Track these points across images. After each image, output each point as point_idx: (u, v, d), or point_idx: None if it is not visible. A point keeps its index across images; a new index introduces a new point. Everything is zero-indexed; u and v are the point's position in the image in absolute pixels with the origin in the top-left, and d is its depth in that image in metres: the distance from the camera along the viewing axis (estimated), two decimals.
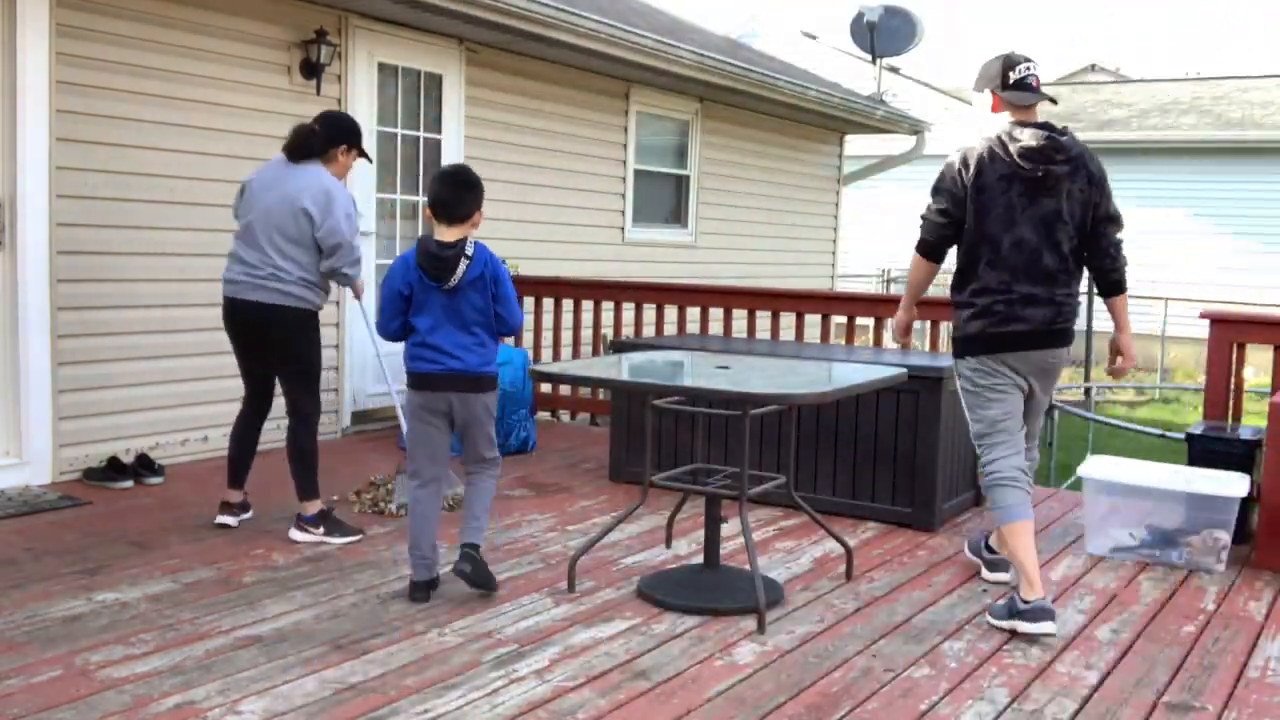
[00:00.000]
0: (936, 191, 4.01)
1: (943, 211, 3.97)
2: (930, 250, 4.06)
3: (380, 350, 5.54)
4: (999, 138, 3.90)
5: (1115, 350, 4.08)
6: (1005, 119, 3.98)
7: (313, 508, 4.70)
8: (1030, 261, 3.88)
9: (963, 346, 4.03)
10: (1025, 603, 3.75)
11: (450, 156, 7.51)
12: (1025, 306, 3.89)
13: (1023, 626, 3.74)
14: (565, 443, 6.99)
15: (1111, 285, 4.01)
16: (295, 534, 4.67)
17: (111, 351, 5.70)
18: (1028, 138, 3.84)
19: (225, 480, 4.87)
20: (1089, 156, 3.93)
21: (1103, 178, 3.96)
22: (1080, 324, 4.57)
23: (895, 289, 17.89)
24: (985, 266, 3.92)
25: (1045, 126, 3.89)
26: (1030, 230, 3.87)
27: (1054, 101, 4.17)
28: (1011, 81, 3.95)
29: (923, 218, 4.03)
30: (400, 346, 4.05)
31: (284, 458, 4.73)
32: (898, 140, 12.61)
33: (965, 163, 3.93)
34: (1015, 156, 3.83)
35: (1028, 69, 3.95)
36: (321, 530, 4.68)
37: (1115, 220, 3.96)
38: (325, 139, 4.62)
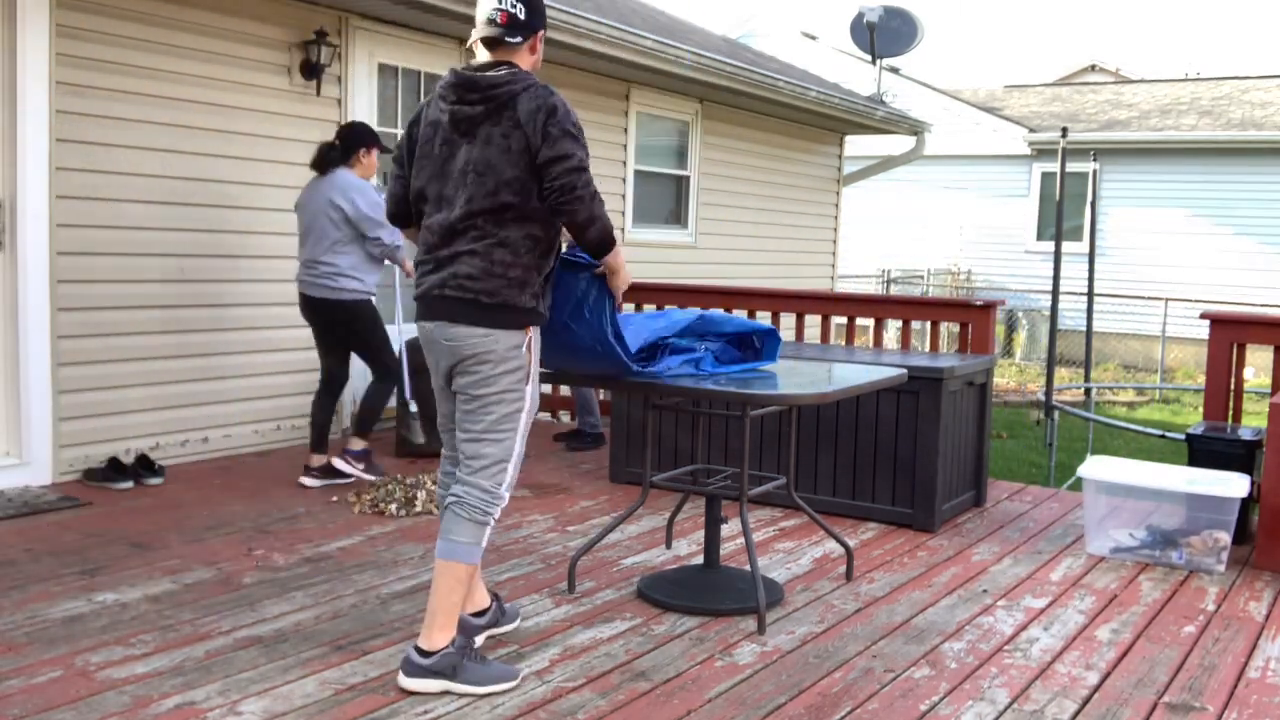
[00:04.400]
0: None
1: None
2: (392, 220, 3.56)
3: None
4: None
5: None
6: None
7: (358, 444, 5.67)
8: (439, 220, 3.29)
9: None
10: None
11: None
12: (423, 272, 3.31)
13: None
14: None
15: (577, 232, 3.20)
16: (338, 463, 5.57)
17: (111, 352, 5.70)
18: (447, 76, 3.24)
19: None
20: (527, 96, 3.12)
21: (538, 118, 3.11)
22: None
23: (895, 289, 17.91)
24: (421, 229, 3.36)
25: (487, 66, 3.18)
26: (446, 185, 3.25)
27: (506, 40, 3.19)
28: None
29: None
30: None
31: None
32: (898, 140, 12.62)
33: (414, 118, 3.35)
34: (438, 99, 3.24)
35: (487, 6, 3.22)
36: (362, 467, 5.63)
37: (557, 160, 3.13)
38: (344, 149, 5.48)
